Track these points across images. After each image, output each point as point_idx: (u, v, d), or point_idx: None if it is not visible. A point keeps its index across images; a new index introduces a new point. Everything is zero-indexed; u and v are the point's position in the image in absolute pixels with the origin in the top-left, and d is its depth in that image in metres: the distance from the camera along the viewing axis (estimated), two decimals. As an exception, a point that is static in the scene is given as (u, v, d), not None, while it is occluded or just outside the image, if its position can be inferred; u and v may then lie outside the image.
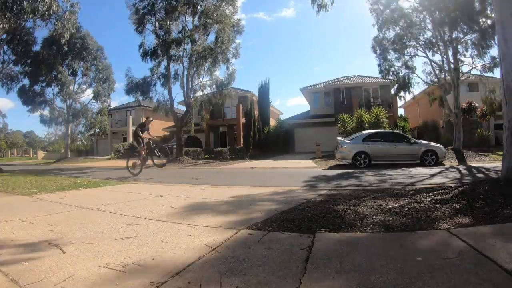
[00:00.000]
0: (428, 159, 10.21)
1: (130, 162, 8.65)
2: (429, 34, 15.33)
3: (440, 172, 7.65)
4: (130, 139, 29.11)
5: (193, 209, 3.48)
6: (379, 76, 18.55)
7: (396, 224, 2.49)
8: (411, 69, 16.52)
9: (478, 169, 8.13)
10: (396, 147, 10.58)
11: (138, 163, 8.66)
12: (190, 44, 16.58)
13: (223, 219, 2.91)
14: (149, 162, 9.03)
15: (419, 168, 9.16)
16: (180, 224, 2.76)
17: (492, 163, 9.98)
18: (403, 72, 16.66)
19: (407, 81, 16.61)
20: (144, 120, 9.35)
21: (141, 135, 8.69)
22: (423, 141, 11.44)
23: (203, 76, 18.19)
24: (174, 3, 15.64)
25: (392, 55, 16.48)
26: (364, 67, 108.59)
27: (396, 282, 1.42)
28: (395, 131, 13.59)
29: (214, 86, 18.31)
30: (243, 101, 24.88)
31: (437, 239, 2.03)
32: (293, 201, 3.79)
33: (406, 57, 16.46)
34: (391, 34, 15.90)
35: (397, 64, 16.60)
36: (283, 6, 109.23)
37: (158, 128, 30.36)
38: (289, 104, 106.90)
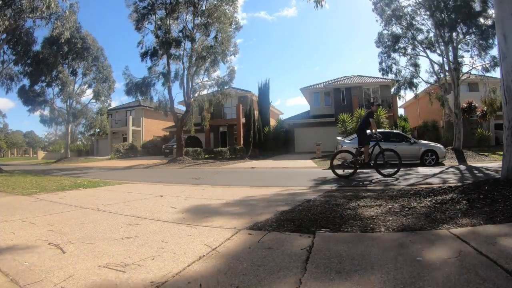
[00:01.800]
0: (428, 159, 10.21)
1: (337, 161, 6.66)
2: (429, 34, 15.37)
3: (440, 172, 7.65)
4: (130, 139, 29.08)
5: (193, 209, 3.48)
6: (380, 75, 18.56)
7: (396, 224, 2.49)
8: (413, 68, 16.54)
9: (478, 169, 8.14)
10: (396, 147, 10.55)
11: (349, 160, 6.59)
12: (190, 43, 16.60)
13: (223, 219, 2.91)
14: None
15: (419, 168, 9.17)
16: (180, 224, 2.76)
17: (492, 163, 9.99)
18: (403, 71, 16.70)
19: (408, 80, 16.63)
20: (371, 103, 6.95)
21: (375, 128, 6.36)
22: (423, 141, 11.45)
23: (203, 76, 18.20)
24: (174, 2, 15.64)
25: (393, 55, 16.51)
26: (364, 67, 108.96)
27: (396, 282, 1.42)
28: (395, 131, 13.58)
29: (214, 85, 18.33)
30: (243, 101, 24.87)
31: (437, 239, 2.03)
32: (293, 201, 3.79)
33: (407, 57, 16.48)
34: (392, 32, 15.93)
35: (398, 63, 16.65)
36: (285, 6, 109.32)
37: (158, 128, 30.41)
38: (289, 104, 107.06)
